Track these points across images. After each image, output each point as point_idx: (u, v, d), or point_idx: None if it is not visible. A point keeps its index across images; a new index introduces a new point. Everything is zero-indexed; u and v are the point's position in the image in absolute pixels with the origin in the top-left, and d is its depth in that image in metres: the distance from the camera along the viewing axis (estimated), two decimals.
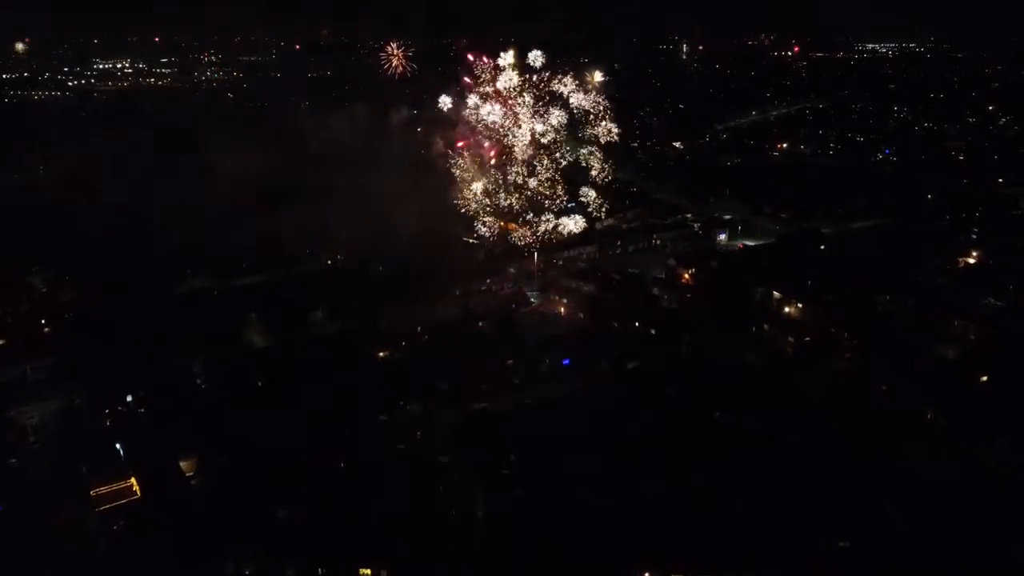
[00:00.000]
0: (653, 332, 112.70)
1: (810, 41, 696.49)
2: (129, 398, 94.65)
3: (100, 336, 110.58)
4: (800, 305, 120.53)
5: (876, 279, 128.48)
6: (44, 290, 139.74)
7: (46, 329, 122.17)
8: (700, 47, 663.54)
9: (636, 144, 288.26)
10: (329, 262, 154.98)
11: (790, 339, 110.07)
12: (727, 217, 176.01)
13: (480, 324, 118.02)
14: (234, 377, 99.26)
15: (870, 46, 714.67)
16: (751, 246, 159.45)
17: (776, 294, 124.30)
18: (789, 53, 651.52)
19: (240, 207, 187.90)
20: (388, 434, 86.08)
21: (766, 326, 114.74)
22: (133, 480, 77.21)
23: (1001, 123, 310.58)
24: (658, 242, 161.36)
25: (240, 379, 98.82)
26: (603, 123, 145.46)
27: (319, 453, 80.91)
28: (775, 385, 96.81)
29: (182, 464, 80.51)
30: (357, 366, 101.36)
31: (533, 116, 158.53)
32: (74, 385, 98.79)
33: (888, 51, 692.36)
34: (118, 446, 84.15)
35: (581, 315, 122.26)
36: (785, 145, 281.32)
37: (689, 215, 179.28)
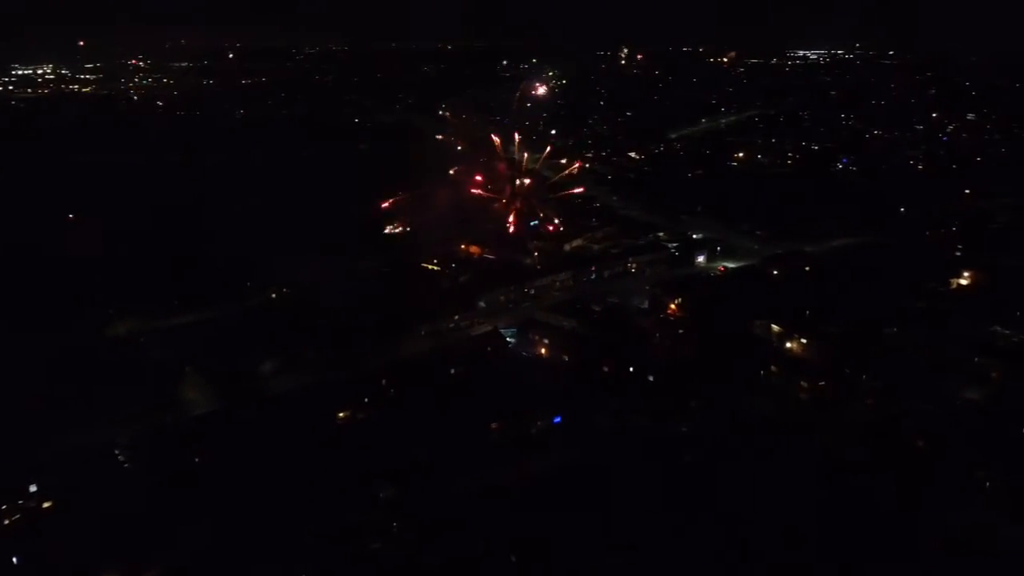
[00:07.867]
0: (651, 379, 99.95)
1: (744, 47, 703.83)
2: (33, 488, 76.96)
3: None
4: (804, 340, 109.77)
5: (875, 307, 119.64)
6: None
7: None
8: (638, 55, 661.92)
9: (590, 155, 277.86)
10: (273, 295, 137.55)
11: (803, 383, 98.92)
12: (703, 236, 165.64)
13: (453, 372, 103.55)
14: (167, 454, 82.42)
15: (801, 52, 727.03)
16: (733, 268, 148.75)
17: (775, 327, 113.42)
18: (724, 59, 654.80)
19: (170, 231, 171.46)
20: (359, 529, 70.73)
21: (772, 367, 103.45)
22: None
23: (949, 130, 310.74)
24: (634, 267, 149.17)
25: (174, 456, 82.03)
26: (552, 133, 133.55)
27: (275, 564, 65.20)
28: (800, 441, 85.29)
29: None
30: (316, 434, 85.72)
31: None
32: None
33: (819, 57, 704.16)
34: (15, 559, 67.01)
35: (566, 357, 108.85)
36: (742, 155, 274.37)
37: (662, 234, 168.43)
